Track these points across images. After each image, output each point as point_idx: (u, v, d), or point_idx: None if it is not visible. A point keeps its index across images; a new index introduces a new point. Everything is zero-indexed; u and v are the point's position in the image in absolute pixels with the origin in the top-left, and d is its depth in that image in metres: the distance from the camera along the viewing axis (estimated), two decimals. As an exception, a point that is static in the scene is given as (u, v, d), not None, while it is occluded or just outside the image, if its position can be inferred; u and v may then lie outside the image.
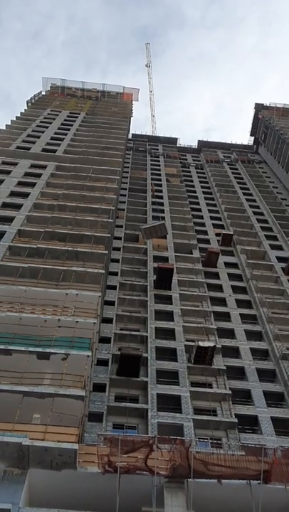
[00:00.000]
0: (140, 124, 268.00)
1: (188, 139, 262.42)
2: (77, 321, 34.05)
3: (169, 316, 46.42)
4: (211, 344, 40.73)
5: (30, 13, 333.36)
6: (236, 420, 35.42)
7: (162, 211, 66.91)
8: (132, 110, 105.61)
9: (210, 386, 38.84)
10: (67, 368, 30.02)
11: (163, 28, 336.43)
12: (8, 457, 24.34)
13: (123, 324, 44.74)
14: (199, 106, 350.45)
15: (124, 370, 38.01)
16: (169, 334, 43.80)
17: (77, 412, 27.61)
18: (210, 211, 73.07)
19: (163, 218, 63.80)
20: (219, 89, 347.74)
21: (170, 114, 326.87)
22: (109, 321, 43.62)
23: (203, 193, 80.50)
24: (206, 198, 77.89)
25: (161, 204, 69.74)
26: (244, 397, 38.76)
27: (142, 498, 24.30)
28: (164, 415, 34.98)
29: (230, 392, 37.84)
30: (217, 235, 64.92)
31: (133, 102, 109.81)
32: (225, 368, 40.32)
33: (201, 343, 40.49)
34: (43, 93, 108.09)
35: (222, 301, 50.82)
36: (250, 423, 36.32)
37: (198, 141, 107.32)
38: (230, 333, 45.94)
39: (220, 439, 34.47)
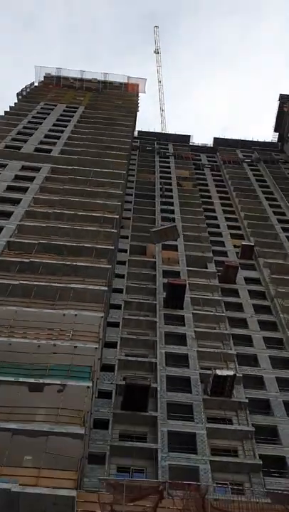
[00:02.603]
0: (148, 123, 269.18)
1: (203, 138, 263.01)
2: (75, 346, 33.88)
3: (181, 339, 46.15)
4: (231, 373, 40.38)
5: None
6: (261, 462, 34.96)
7: (173, 219, 66.84)
8: (138, 104, 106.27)
9: (230, 422, 38.50)
10: (64, 402, 29.78)
11: (174, 14, 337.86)
12: (-4, 506, 24.07)
13: (129, 349, 44.51)
14: (215, 102, 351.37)
15: (130, 403, 37.64)
16: (182, 361, 43.51)
17: (76, 453, 27.30)
18: (227, 219, 72.96)
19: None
20: (238, 82, 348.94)
21: (182, 112, 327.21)
22: (112, 345, 43.39)
23: (220, 198, 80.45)
24: (223, 204, 77.84)
25: (172, 212, 69.64)
26: (270, 435, 38.28)
27: None
28: (176, 456, 34.60)
29: (253, 429, 37.44)
30: (236, 246, 64.78)
31: (139, 95, 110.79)
32: (247, 400, 39.94)
33: (218, 372, 40.13)
34: (36, 84, 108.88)
35: (242, 323, 50.57)
36: (277, 465, 35.83)
37: (214, 138, 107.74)
38: (252, 360, 45.64)
39: (242, 484, 34.03)
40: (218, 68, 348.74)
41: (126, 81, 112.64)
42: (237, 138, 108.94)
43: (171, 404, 38.86)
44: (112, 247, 47.21)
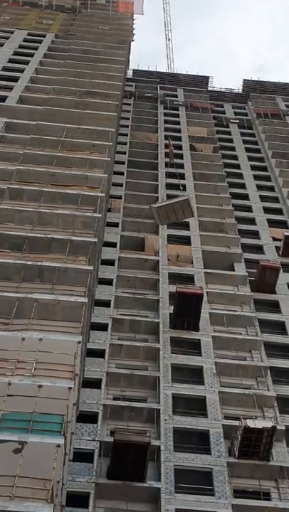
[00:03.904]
0: (148, 59, 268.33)
1: (228, 82, 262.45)
2: (40, 386, 33.52)
3: (196, 375, 46.39)
4: (269, 424, 40.41)
5: None
6: None
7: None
8: (132, 30, 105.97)
9: (267, 496, 38.61)
10: (24, 467, 29.41)
11: None
12: None
13: (119, 390, 44.50)
14: (244, 33, 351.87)
15: (121, 469, 37.57)
16: (197, 407, 43.69)
17: None
18: (263, 198, 73.43)
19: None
20: (280, 3, 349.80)
21: (198, 45, 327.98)
22: (95, 384, 43.56)
23: (253, 168, 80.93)
24: (256, 177, 78.30)
25: (183, 187, 69.35)
26: None
27: None
28: None
29: (302, 506, 37.58)
30: (275, 238, 65.21)
31: (135, 17, 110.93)
32: (293, 465, 40.13)
33: (250, 423, 40.08)
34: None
35: (286, 350, 50.80)
36: None
37: (244, 81, 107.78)
38: (300, 406, 45.73)
39: None
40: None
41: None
42: (277, 81, 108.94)
43: (180, 470, 38.98)
44: (95, 240, 46.87)
